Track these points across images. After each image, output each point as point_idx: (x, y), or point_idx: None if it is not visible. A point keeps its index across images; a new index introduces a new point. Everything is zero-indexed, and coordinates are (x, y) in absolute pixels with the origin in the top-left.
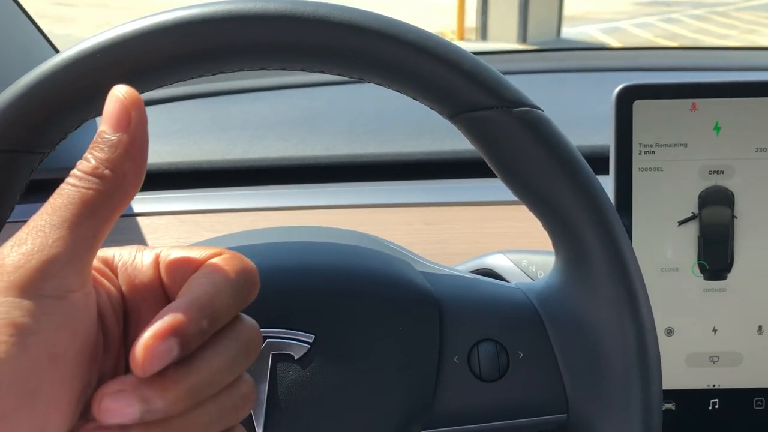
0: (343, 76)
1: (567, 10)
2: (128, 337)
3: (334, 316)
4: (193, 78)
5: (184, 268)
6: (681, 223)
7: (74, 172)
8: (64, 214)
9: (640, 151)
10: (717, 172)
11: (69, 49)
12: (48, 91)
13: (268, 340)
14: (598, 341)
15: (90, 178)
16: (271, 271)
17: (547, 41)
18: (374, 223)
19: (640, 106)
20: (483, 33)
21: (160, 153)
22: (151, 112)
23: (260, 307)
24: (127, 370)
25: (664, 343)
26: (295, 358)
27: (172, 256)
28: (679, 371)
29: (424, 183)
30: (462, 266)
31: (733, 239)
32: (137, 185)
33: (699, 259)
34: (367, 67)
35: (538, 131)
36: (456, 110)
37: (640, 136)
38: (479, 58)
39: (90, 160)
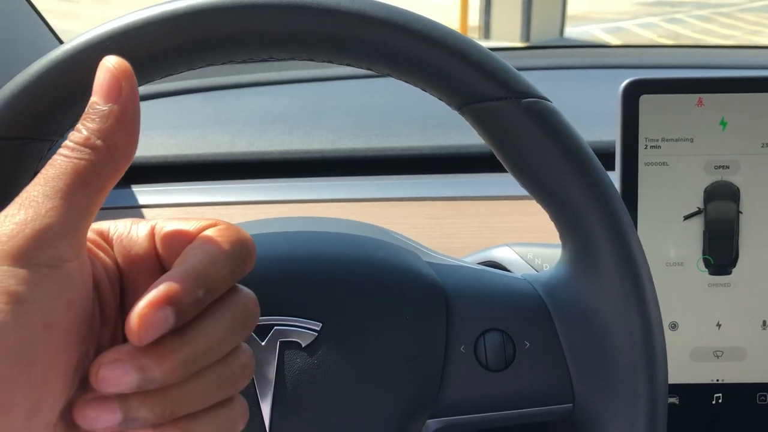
0: (353, 66)
1: (570, 10)
2: (125, 309)
3: (341, 305)
4: (200, 67)
5: (180, 239)
6: (686, 217)
7: (66, 143)
8: (57, 185)
9: (646, 145)
10: (723, 167)
11: (78, 37)
12: (57, 79)
13: (275, 327)
14: (605, 332)
15: (82, 148)
16: (279, 260)
17: (550, 40)
18: (379, 217)
19: (646, 101)
20: (486, 32)
21: (165, 145)
22: (156, 105)
23: (269, 294)
24: (125, 342)
25: (669, 337)
26: (303, 345)
27: (168, 228)
28: (683, 366)
29: (430, 177)
30: (468, 258)
31: (738, 234)
32: (129, 156)
33: (704, 253)
34: (376, 57)
35: (547, 122)
36: (464, 101)
37: (646, 131)
38: (488, 49)
39: (81, 131)
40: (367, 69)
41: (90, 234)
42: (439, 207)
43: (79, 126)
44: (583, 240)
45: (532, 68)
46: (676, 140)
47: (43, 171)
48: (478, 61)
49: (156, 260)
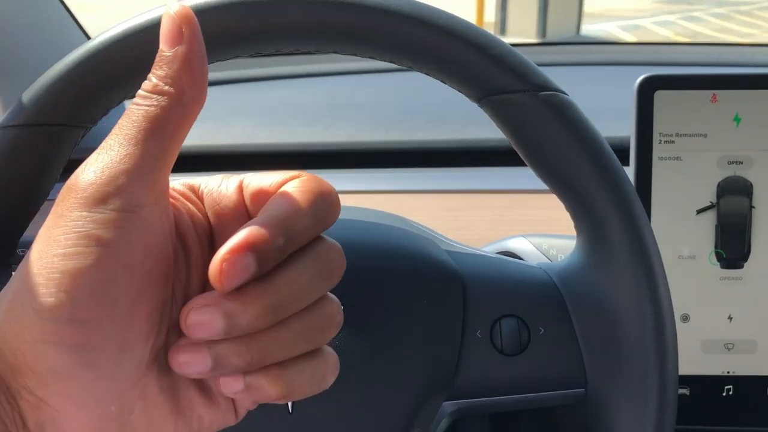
0: (375, 59)
1: (587, 7)
2: None
3: (361, 289)
4: (228, 59)
5: (265, 192)
6: (699, 211)
7: (139, 92)
8: (130, 132)
9: (660, 140)
10: (736, 162)
11: (116, 27)
12: (93, 68)
13: None
14: (617, 320)
15: (151, 95)
16: None
17: (566, 37)
18: (397, 209)
19: (661, 97)
20: (502, 28)
21: (188, 136)
22: None
23: None
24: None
25: (680, 329)
26: None
27: (254, 181)
28: (694, 357)
29: (446, 170)
30: (484, 249)
31: (750, 229)
32: (198, 99)
33: (716, 247)
34: (397, 50)
35: (564, 115)
36: (483, 93)
37: (660, 126)
38: (506, 42)
39: (151, 79)
40: (390, 62)
41: (180, 187)
42: (455, 199)
43: (150, 75)
44: (597, 229)
45: (547, 64)
46: (690, 135)
47: (119, 121)
48: (497, 54)
49: (245, 213)
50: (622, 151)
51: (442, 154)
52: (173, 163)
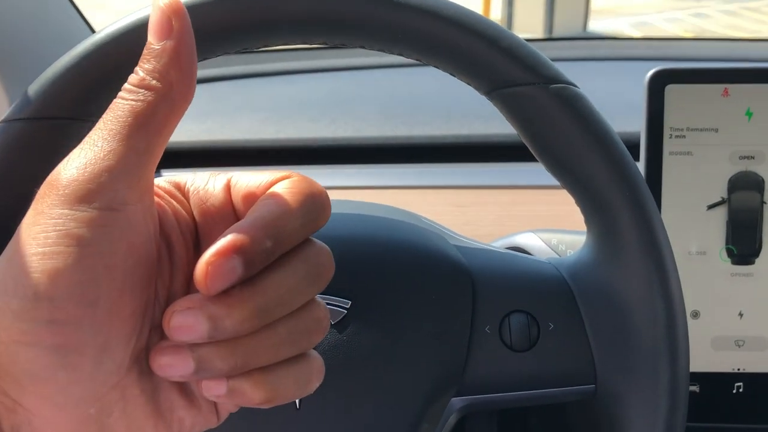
0: (384, 51)
1: (594, 4)
2: None
3: (370, 284)
4: (239, 50)
5: (254, 192)
6: (710, 207)
7: (125, 86)
8: (115, 128)
9: (671, 135)
10: (747, 157)
11: (123, 19)
12: (99, 61)
13: None
14: (628, 315)
15: (138, 90)
16: None
17: (573, 34)
18: (404, 204)
19: (672, 91)
20: (509, 24)
21: (194, 131)
22: None
23: None
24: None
25: (691, 326)
26: (332, 323)
27: (243, 180)
28: (704, 354)
29: (454, 166)
30: (493, 244)
31: (762, 225)
32: (186, 95)
33: (727, 243)
34: (406, 42)
35: (574, 108)
36: (493, 86)
37: (671, 120)
38: (516, 35)
39: (138, 73)
40: (398, 54)
41: (165, 185)
42: (462, 195)
43: (136, 68)
44: (608, 224)
45: (555, 59)
46: (701, 130)
47: (104, 115)
48: (507, 46)
49: (232, 213)
50: (632, 147)
51: (449, 150)
52: (159, 160)
